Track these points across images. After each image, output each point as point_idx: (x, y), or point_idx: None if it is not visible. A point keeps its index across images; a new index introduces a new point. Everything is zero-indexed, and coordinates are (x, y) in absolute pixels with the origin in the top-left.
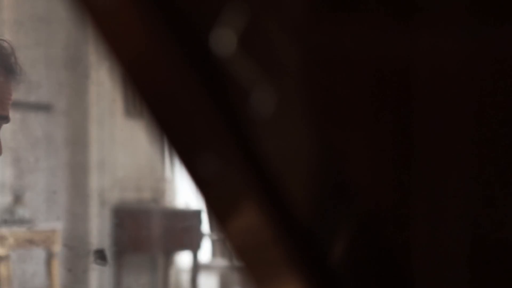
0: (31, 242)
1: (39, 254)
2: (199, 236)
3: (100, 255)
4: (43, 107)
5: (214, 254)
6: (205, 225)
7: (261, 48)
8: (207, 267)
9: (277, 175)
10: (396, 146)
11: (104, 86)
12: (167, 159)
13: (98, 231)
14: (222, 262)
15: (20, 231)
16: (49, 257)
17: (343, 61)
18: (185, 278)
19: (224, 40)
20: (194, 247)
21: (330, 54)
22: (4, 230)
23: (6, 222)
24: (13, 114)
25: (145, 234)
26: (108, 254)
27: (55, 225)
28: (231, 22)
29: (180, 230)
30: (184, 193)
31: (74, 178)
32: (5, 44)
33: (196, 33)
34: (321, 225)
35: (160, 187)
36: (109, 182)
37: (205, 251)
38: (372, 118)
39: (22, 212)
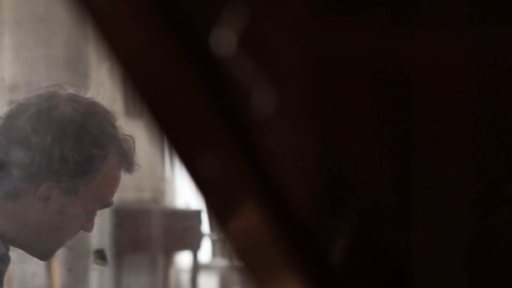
0: None
1: None
2: (199, 236)
3: (100, 255)
4: None
5: (214, 254)
6: (205, 225)
7: (261, 48)
8: (207, 267)
9: (277, 175)
10: (396, 146)
11: (104, 86)
12: (167, 159)
13: (98, 231)
14: (222, 262)
15: None
16: None
17: (343, 62)
18: (185, 278)
19: (224, 40)
20: (194, 247)
21: (330, 55)
22: None
23: None
24: None
25: (145, 234)
26: (108, 254)
27: None
28: (231, 22)
29: (180, 230)
30: (184, 193)
31: None
32: (129, 139)
33: (196, 33)
34: (321, 225)
35: (160, 187)
36: None
37: (205, 251)
38: (372, 118)
39: None
